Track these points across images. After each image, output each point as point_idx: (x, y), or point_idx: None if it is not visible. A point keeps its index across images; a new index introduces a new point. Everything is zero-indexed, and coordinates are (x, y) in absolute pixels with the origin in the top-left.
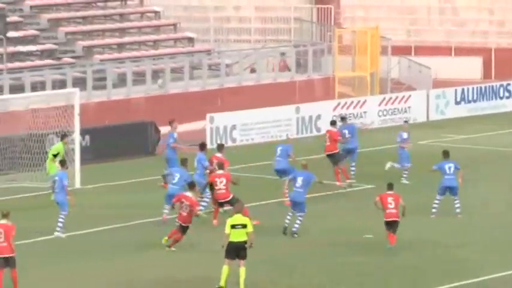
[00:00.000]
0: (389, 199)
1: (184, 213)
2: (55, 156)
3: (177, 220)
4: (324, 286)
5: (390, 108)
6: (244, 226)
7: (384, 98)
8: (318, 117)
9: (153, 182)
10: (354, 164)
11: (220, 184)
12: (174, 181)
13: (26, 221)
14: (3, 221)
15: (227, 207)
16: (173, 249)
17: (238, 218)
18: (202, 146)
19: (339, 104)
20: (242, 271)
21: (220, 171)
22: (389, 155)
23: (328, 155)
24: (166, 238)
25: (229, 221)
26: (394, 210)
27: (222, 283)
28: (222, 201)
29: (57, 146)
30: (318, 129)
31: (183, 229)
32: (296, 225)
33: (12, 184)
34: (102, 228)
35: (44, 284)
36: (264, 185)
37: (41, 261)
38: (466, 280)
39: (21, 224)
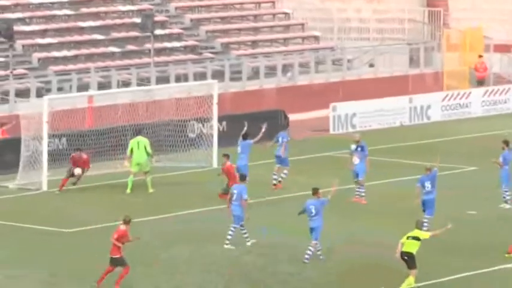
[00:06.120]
0: None
1: None
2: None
3: None
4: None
5: (492, 99)
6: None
7: (487, 90)
8: (429, 107)
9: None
10: None
11: None
12: None
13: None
14: None
15: None
16: None
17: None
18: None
19: (447, 95)
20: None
21: None
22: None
23: None
24: None
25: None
26: None
27: None
28: None
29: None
30: (428, 117)
31: None
32: None
33: (156, 164)
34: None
35: None
36: (382, 167)
37: None
38: None
39: None
